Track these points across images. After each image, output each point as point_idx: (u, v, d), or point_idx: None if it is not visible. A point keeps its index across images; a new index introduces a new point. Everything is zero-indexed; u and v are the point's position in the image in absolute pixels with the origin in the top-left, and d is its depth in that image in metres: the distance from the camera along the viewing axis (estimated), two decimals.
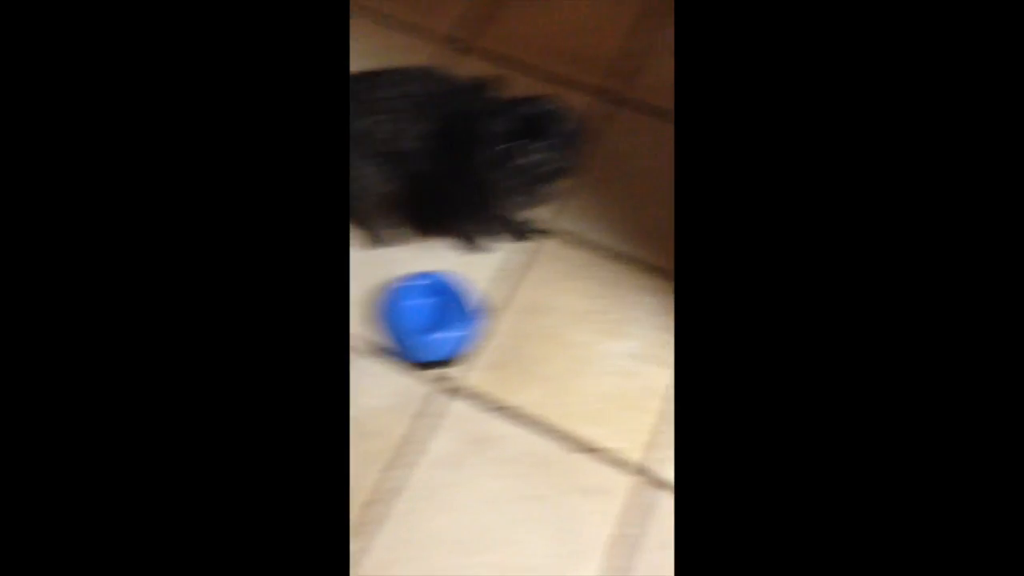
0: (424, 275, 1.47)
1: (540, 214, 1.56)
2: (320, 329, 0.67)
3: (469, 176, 1.17)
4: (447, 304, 1.44)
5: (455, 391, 1.39)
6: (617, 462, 1.31)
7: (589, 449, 1.33)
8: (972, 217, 0.62)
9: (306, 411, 0.66)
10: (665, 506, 1.28)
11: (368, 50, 1.73)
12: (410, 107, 1.23)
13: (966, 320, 0.61)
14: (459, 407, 1.37)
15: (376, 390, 1.38)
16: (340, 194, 0.70)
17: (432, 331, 1.40)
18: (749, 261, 0.66)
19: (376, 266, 1.51)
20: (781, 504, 0.64)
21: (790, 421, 0.64)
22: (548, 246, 1.54)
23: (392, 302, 1.43)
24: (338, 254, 0.70)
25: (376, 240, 1.45)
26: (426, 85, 1.25)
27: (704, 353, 0.67)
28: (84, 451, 0.63)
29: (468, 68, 1.36)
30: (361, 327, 1.45)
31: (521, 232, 1.51)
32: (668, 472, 1.30)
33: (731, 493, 0.65)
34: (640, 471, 1.31)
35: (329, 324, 0.68)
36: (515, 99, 1.20)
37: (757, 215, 0.66)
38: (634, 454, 1.32)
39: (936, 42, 0.63)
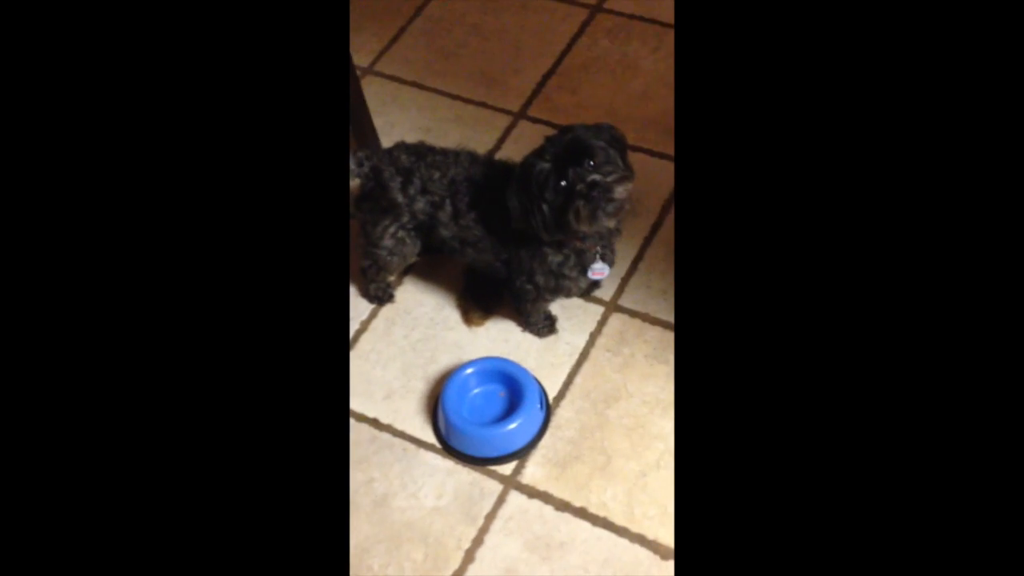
0: (487, 360, 1.35)
1: (605, 289, 1.44)
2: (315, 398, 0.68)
3: (540, 218, 1.19)
4: (513, 392, 1.32)
5: (523, 489, 1.25)
6: None
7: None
8: (972, 217, 0.62)
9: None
10: None
11: (434, 121, 1.71)
12: (449, 189, 1.31)
13: (969, 344, 0.62)
14: (527, 507, 1.23)
15: (435, 488, 1.26)
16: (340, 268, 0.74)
17: (497, 422, 1.28)
18: (749, 311, 0.67)
19: (434, 351, 1.41)
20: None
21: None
22: (618, 325, 1.41)
23: (452, 391, 1.31)
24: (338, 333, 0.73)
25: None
26: (469, 170, 1.31)
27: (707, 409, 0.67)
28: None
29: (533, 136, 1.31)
30: (419, 419, 1.34)
31: (588, 291, 1.46)
32: None
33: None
34: None
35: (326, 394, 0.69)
36: (549, 137, 1.21)
37: (758, 262, 0.67)
38: None
39: (935, 41, 0.64)
